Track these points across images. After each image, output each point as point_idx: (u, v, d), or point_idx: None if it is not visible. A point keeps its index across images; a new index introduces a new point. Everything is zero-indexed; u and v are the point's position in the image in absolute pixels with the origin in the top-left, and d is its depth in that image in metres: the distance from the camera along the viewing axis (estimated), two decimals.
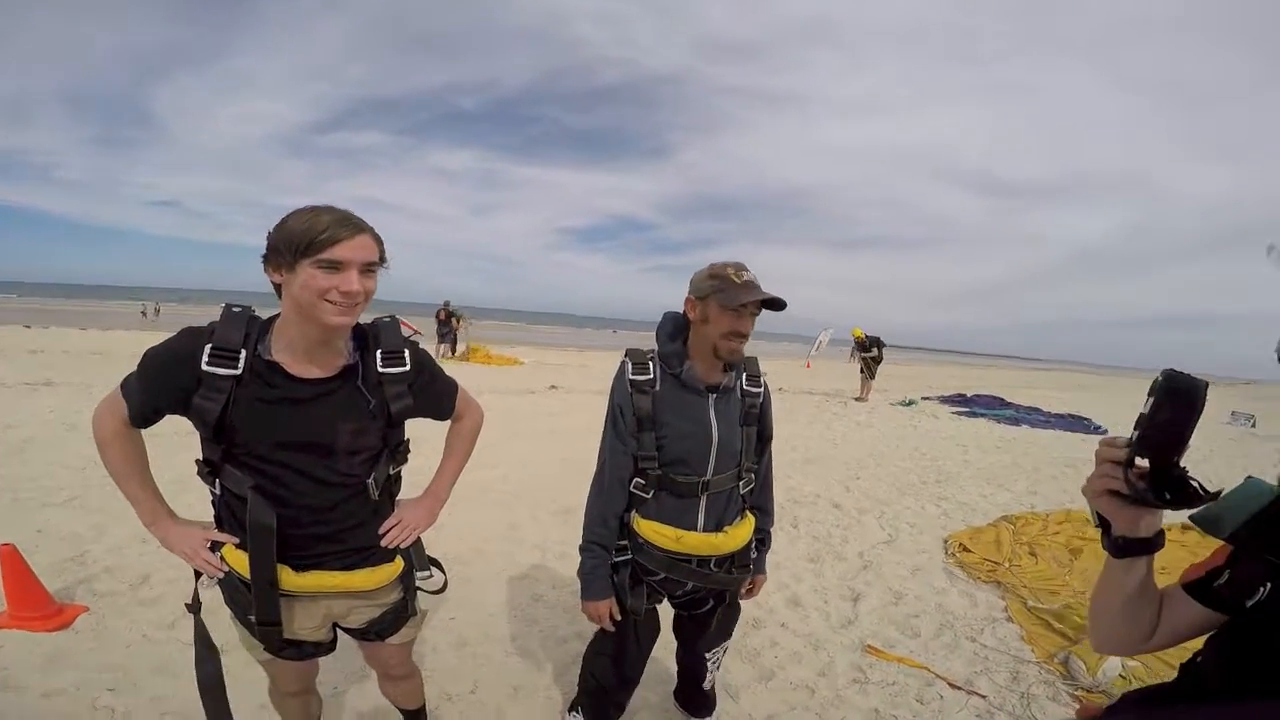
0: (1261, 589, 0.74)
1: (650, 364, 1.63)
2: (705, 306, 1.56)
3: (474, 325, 18.71)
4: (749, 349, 1.65)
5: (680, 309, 1.65)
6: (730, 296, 1.51)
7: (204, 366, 1.17)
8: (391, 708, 1.83)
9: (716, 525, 1.69)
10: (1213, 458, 8.96)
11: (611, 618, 1.70)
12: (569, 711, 2.08)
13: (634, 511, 1.67)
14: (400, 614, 1.51)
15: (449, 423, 1.59)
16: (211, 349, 1.17)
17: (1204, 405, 0.72)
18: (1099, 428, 11.62)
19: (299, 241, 1.10)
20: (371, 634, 1.50)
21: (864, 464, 6.73)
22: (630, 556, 1.70)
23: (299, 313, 1.17)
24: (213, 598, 1.39)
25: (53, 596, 2.59)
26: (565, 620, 2.87)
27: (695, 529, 1.66)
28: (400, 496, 1.49)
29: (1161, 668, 2.54)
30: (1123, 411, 15.12)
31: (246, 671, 1.78)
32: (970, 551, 4.06)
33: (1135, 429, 0.76)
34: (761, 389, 1.73)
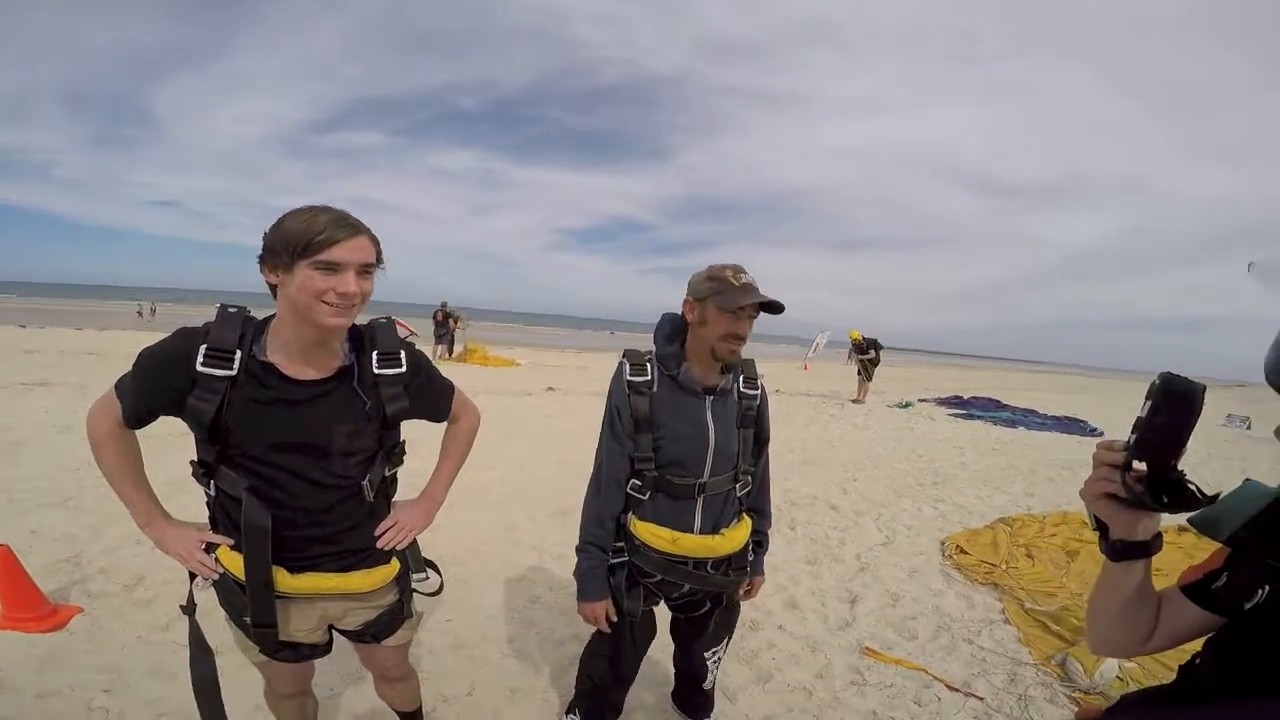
0: (1260, 592, 0.74)
1: (648, 365, 1.63)
2: (703, 308, 1.55)
3: (471, 326, 18.71)
4: (746, 351, 1.65)
5: (678, 310, 1.65)
6: (728, 299, 1.51)
7: (198, 367, 1.16)
8: (388, 710, 1.82)
9: (713, 527, 1.69)
10: (1209, 460, 8.98)
11: (607, 619, 1.70)
12: (566, 714, 2.08)
13: (631, 513, 1.67)
14: (396, 616, 1.50)
15: (445, 424, 1.59)
16: (206, 350, 1.17)
17: (1201, 408, 0.72)
18: (1095, 430, 11.64)
19: (296, 242, 1.10)
20: (367, 636, 1.49)
21: (861, 466, 6.73)
22: (627, 558, 1.69)
23: (295, 314, 1.16)
24: (208, 599, 1.39)
25: (47, 597, 2.58)
26: (563, 622, 2.86)
27: (692, 531, 1.66)
28: (396, 498, 1.48)
29: (1159, 669, 2.54)
30: (1119, 414, 15.16)
31: (242, 673, 1.77)
32: (967, 553, 4.07)
33: (1133, 432, 0.76)
34: (758, 391, 1.73)
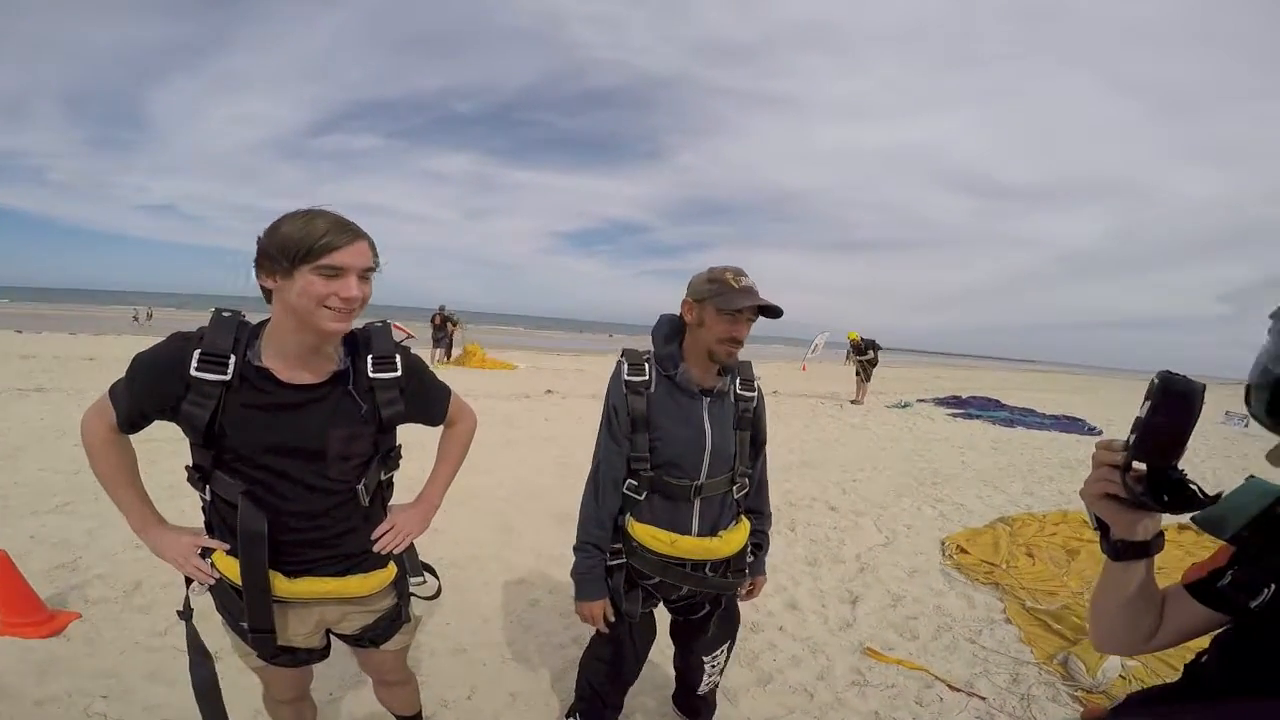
0: (1266, 590, 0.73)
1: (646, 365, 1.63)
2: (702, 310, 1.55)
3: (469, 329, 18.71)
4: (745, 352, 1.65)
5: (676, 312, 1.65)
6: (728, 301, 1.50)
7: (193, 372, 1.15)
8: (387, 714, 1.81)
9: (711, 529, 1.69)
10: (1209, 458, 8.99)
11: (605, 619, 1.69)
12: (566, 717, 2.07)
13: (628, 514, 1.66)
14: (394, 620, 1.49)
15: (442, 428, 1.58)
16: (200, 354, 1.16)
17: (1201, 408, 0.71)
18: (1094, 429, 11.67)
19: (296, 248, 1.09)
20: (366, 640, 1.48)
21: (860, 466, 6.72)
22: (625, 560, 1.69)
23: (294, 318, 1.15)
24: (205, 604, 1.38)
25: (45, 603, 2.56)
26: (562, 625, 2.85)
27: (690, 533, 1.65)
28: (392, 502, 1.48)
29: (1162, 668, 2.54)
30: (1117, 412, 15.17)
31: (241, 678, 1.76)
32: (967, 553, 4.06)
33: (1132, 432, 0.75)
34: (755, 393, 1.73)
